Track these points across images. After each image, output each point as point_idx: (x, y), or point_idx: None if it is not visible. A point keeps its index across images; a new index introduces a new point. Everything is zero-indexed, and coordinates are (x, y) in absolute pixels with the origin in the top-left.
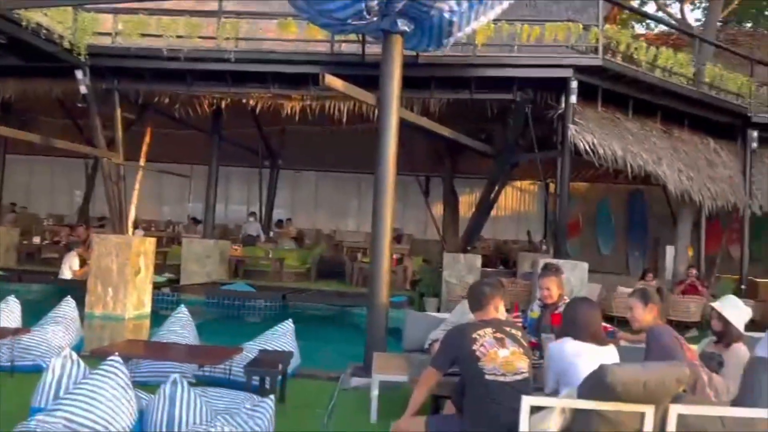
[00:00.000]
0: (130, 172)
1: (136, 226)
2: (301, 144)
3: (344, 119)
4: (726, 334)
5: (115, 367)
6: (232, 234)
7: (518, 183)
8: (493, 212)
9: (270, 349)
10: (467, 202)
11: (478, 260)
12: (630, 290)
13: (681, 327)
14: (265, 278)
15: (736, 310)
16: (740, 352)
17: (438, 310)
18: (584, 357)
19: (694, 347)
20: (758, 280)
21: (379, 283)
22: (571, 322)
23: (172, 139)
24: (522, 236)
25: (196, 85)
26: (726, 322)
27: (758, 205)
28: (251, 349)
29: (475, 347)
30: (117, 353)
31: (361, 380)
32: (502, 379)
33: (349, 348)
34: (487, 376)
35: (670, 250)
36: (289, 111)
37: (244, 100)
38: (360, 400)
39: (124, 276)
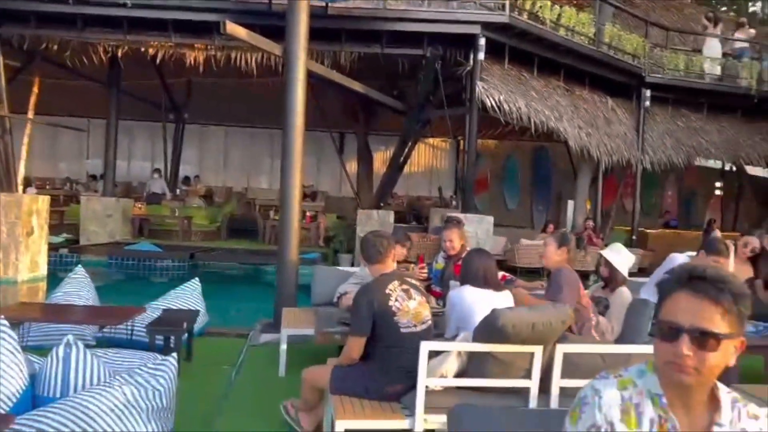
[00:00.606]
0: (19, 125)
1: (28, 184)
2: (209, 97)
3: (253, 72)
4: (612, 279)
5: (1, 331)
6: (135, 192)
7: (431, 140)
8: (406, 169)
9: (175, 308)
10: (382, 159)
11: (390, 216)
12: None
13: (580, 276)
14: (173, 238)
15: (621, 257)
16: (624, 294)
17: (352, 266)
18: (482, 302)
19: (586, 292)
20: (648, 231)
21: (289, 239)
22: (468, 271)
23: (65, 90)
24: (435, 192)
25: (89, 31)
26: (612, 268)
27: (649, 161)
28: (155, 308)
29: (391, 303)
30: (3, 316)
31: (271, 336)
32: (413, 329)
33: (261, 306)
34: (402, 330)
35: (570, 204)
36: (192, 61)
37: (142, 49)
38: (269, 355)
39: (15, 237)
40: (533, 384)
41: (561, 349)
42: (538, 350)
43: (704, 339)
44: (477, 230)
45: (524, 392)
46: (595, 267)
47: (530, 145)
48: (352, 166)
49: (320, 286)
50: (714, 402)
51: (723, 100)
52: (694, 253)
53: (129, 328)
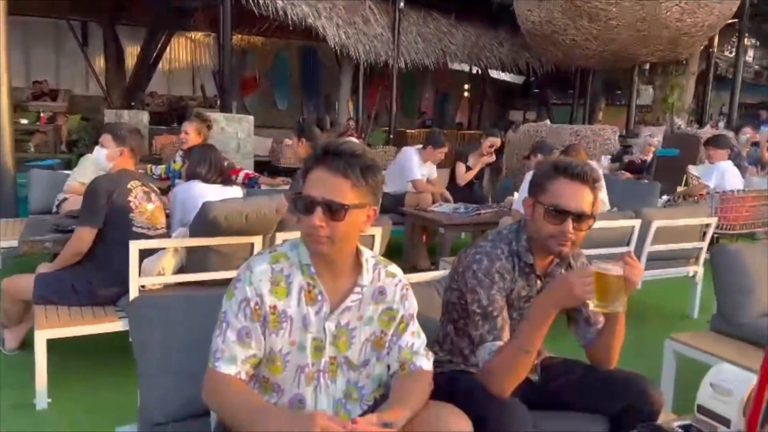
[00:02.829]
0: None
1: None
2: None
3: None
4: None
5: None
6: None
7: (192, 34)
8: (167, 66)
9: None
10: (137, 55)
11: (145, 116)
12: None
13: None
14: None
15: None
16: None
17: None
18: (207, 198)
19: None
20: (407, 130)
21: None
22: (196, 165)
23: None
24: (199, 92)
25: None
26: None
27: (404, 62)
28: None
29: (130, 198)
30: None
31: None
32: (147, 232)
33: None
34: (134, 229)
35: (338, 104)
36: None
37: None
38: None
39: None
40: None
41: (281, 237)
42: (257, 240)
43: (334, 210)
44: (238, 130)
45: None
46: None
47: (299, 44)
48: (100, 62)
49: (38, 192)
50: (358, 267)
51: (468, 6)
52: (420, 146)
53: None
